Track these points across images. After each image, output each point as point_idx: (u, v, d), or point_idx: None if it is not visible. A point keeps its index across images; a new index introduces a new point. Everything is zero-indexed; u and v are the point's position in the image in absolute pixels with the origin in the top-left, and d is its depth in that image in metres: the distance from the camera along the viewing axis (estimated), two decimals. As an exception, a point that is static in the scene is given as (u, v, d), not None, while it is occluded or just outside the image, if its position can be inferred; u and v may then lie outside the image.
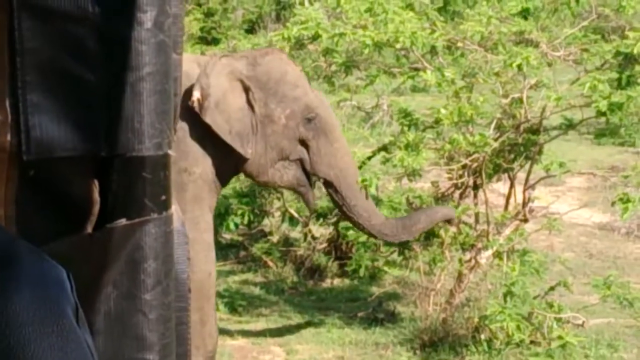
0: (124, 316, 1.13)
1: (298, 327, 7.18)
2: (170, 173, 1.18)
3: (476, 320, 6.65)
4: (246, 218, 7.48)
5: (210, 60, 5.62)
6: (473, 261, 6.79)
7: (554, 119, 6.99)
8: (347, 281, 7.99)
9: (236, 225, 7.58)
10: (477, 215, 6.88)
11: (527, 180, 6.74)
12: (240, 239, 8.56)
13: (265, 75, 5.70)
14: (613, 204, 6.36)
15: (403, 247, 7.07)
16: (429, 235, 7.04)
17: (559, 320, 6.47)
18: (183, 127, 5.48)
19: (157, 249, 1.13)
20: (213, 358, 5.90)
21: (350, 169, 5.99)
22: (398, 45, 6.49)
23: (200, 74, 5.52)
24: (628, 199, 6.22)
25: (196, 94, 5.48)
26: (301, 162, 5.83)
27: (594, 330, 6.94)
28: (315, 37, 6.63)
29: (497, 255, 6.81)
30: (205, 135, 5.57)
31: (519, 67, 6.43)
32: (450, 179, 6.87)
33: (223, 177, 5.81)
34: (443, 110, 6.37)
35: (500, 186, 7.82)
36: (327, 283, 8.03)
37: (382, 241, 6.53)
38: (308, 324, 7.20)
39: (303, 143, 5.81)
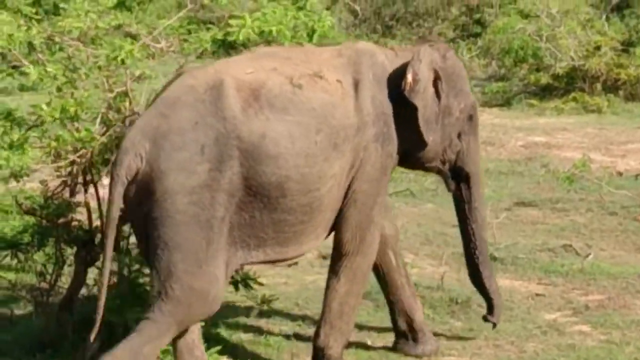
0: None
1: None
2: None
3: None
4: None
5: (421, 47, 6.17)
6: (89, 257, 6.76)
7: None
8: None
9: None
10: (89, 211, 6.83)
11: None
12: None
13: (451, 68, 6.31)
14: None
15: (17, 249, 6.94)
16: (43, 236, 6.91)
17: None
18: (389, 112, 6.06)
19: None
20: None
21: (480, 168, 6.65)
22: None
23: (414, 59, 6.06)
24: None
25: (409, 77, 6.03)
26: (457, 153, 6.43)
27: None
28: None
29: (114, 249, 6.81)
30: (396, 120, 6.09)
31: (123, 60, 6.45)
32: (59, 176, 6.77)
33: None
34: (45, 107, 6.30)
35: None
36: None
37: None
38: None
39: (460, 137, 6.36)
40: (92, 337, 5.70)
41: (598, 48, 15.51)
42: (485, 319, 6.83)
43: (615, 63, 15.37)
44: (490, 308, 6.79)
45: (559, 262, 8.50)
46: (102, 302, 5.67)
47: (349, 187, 5.98)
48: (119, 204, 5.66)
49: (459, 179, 6.52)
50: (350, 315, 6.20)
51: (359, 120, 5.94)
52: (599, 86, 15.21)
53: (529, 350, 6.79)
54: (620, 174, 11.30)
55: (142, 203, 5.65)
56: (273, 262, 6.01)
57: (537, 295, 7.73)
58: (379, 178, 6.04)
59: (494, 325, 6.85)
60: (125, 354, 5.64)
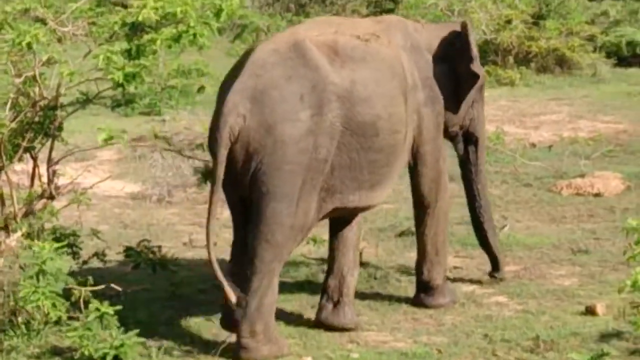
0: None
1: None
2: None
3: (12, 303, 6.53)
4: None
5: (465, 26, 6.94)
6: (2, 245, 6.66)
7: (74, 94, 6.99)
8: None
9: None
10: (1, 197, 6.74)
11: (49, 157, 6.72)
12: None
13: None
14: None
15: None
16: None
17: (94, 292, 6.51)
18: (431, 75, 6.77)
19: None
20: None
21: (485, 134, 7.47)
22: None
23: (470, 35, 6.88)
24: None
25: (475, 51, 6.89)
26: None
27: (131, 297, 7.08)
28: None
29: (28, 235, 6.74)
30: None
31: (29, 45, 6.37)
32: (-30, 163, 6.67)
33: None
34: (-48, 94, 6.21)
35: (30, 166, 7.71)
36: None
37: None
38: None
39: (472, 105, 7.12)
40: (234, 303, 6.12)
41: (509, 21, 15.64)
42: (491, 275, 7.48)
43: (526, 36, 15.53)
44: (495, 265, 7.46)
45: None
46: (216, 266, 6.08)
47: (416, 150, 6.74)
48: (223, 164, 6.03)
49: (468, 143, 7.25)
50: (443, 249, 7.10)
51: (411, 80, 6.66)
52: (511, 59, 15.36)
53: (447, 323, 6.85)
54: (533, 145, 11.45)
55: (251, 159, 6.08)
56: (362, 209, 6.60)
57: (454, 267, 7.80)
58: (436, 136, 6.83)
59: (501, 280, 7.45)
60: (256, 313, 6.13)
